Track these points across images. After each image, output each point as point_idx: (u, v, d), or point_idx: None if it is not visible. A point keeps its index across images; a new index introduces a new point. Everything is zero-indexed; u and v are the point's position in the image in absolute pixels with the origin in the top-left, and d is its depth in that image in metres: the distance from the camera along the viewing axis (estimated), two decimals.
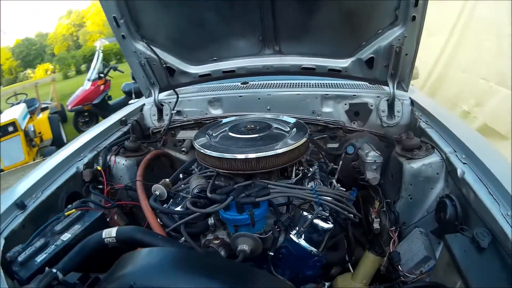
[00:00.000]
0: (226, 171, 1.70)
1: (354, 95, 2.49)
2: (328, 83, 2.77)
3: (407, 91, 2.36)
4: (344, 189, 1.93)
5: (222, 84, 2.95)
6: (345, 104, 2.50)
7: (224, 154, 1.66)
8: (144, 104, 2.86)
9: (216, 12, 2.21)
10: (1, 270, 1.34)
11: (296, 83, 2.77)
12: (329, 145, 2.53)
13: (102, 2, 2.15)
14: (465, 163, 1.67)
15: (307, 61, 2.44)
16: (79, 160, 2.16)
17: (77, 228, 1.64)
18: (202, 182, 1.76)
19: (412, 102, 2.38)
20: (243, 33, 2.34)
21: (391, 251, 1.84)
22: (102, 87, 9.19)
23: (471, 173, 1.60)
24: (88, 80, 9.14)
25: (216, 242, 1.60)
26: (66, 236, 1.59)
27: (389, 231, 1.95)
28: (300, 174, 1.91)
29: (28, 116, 7.21)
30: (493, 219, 1.32)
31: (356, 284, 1.78)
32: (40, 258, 1.47)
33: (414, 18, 1.96)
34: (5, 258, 1.44)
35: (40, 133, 7.21)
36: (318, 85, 2.72)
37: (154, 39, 2.41)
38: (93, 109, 8.90)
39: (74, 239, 1.57)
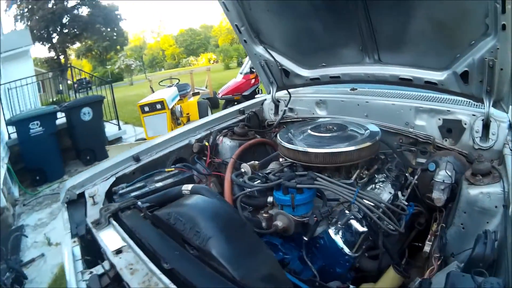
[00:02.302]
0: (292, 160, 2.36)
1: (448, 111, 2.59)
2: (424, 95, 2.95)
3: (507, 112, 2.36)
4: (406, 202, 2.25)
5: (334, 88, 3.54)
6: (439, 119, 2.62)
7: (290, 145, 2.33)
8: (265, 99, 3.75)
9: (320, 24, 2.81)
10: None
11: (396, 93, 3.11)
12: (418, 160, 2.78)
13: (226, 13, 3.03)
14: None
15: (405, 71, 2.73)
16: (194, 135, 3.15)
17: (169, 180, 2.62)
18: (276, 167, 2.49)
19: (511, 126, 2.34)
20: (346, 43, 2.88)
21: (424, 277, 1.88)
22: (253, 81, 11.19)
23: None
24: (241, 73, 11.26)
25: (265, 215, 2.23)
26: (159, 184, 2.58)
27: (433, 257, 2.05)
28: (365, 179, 2.41)
29: (178, 98, 9.13)
30: None
31: None
32: (134, 193, 2.48)
33: (504, 27, 1.97)
34: (111, 190, 2.49)
35: (188, 114, 9.15)
36: (414, 97, 2.95)
37: (272, 44, 3.20)
38: (242, 99, 10.51)
39: (163, 187, 2.55)
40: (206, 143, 3.08)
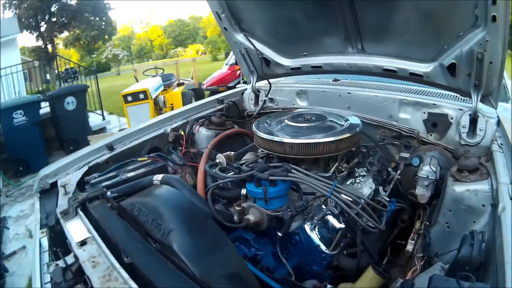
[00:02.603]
0: (266, 151, 2.28)
1: (434, 104, 2.53)
2: (409, 88, 2.91)
3: (496, 108, 2.29)
4: (388, 198, 2.19)
5: (315, 79, 3.50)
6: (424, 113, 2.56)
7: (265, 135, 2.24)
8: (246, 89, 3.67)
9: (303, 12, 2.73)
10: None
11: (382, 85, 3.03)
12: (402, 154, 2.72)
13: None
14: None
15: (389, 62, 2.64)
16: (169, 124, 3.07)
17: (142, 170, 2.56)
18: (251, 158, 2.43)
19: (499, 122, 2.29)
20: (328, 32, 2.80)
21: (406, 278, 1.81)
22: (238, 72, 11.13)
23: (510, 215, 1.54)
24: (226, 64, 11.11)
25: (237, 208, 2.14)
26: (130, 173, 2.52)
27: (415, 257, 1.97)
28: (345, 172, 2.32)
29: (162, 88, 8.99)
30: (503, 277, 1.27)
31: None
32: (105, 183, 2.41)
33: (494, 18, 1.91)
34: (83, 179, 2.43)
35: (172, 104, 8.96)
36: (399, 89, 2.90)
37: (252, 32, 3.11)
38: (227, 91, 10.42)
39: (135, 177, 2.48)
40: (182, 133, 3.01)
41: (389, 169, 2.54)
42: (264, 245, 2.15)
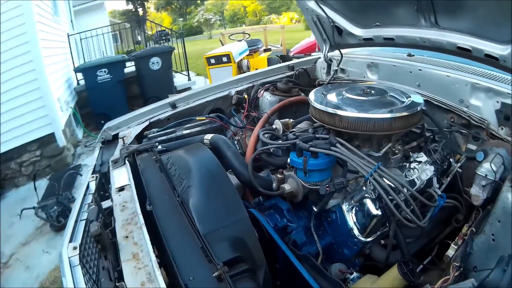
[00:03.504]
0: (320, 122, 2.23)
1: (509, 93, 2.21)
2: (483, 72, 2.57)
3: None
4: (440, 192, 2.06)
5: (390, 52, 3.30)
6: (497, 102, 2.25)
7: (317, 104, 2.19)
8: (319, 58, 3.63)
9: None
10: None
11: (457, 65, 2.74)
12: (469, 146, 2.46)
13: None
14: None
15: (463, 40, 2.40)
16: (235, 87, 3.18)
17: (197, 129, 2.70)
18: (304, 127, 2.41)
19: None
20: (400, 2, 2.64)
21: (435, 287, 1.75)
22: None
23: None
24: None
25: (279, 176, 2.17)
26: (186, 131, 2.66)
27: (452, 266, 1.83)
28: (399, 155, 2.20)
29: (247, 52, 9.29)
30: None
31: None
32: (160, 138, 2.58)
33: None
34: (143, 133, 2.63)
35: (256, 69, 9.09)
36: (474, 72, 2.57)
37: None
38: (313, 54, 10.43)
39: (189, 134, 2.62)
40: (245, 96, 3.08)
41: (451, 159, 2.35)
42: (298, 218, 2.14)
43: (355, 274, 1.94)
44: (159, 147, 2.32)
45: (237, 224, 1.63)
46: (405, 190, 1.82)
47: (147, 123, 2.78)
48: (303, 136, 2.12)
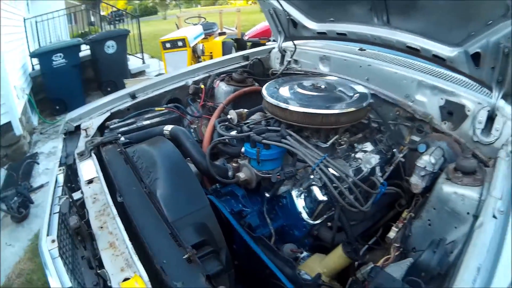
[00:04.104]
0: (272, 115, 2.39)
1: (452, 92, 2.39)
2: (431, 70, 2.80)
3: None
4: (382, 180, 2.27)
5: (341, 46, 3.49)
6: (441, 99, 2.44)
7: (270, 98, 2.35)
8: (274, 48, 3.77)
9: None
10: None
11: (407, 61, 2.97)
12: (414, 137, 2.64)
13: None
14: (495, 218, 1.57)
15: (413, 40, 2.55)
16: (192, 77, 3.28)
17: (157, 119, 2.79)
18: (258, 118, 2.56)
19: None
20: (355, 0, 2.79)
21: (377, 265, 1.89)
22: None
23: (484, 234, 1.50)
24: None
25: (234, 165, 2.36)
26: (146, 121, 2.75)
27: (392, 246, 2.00)
28: (344, 146, 2.40)
29: (202, 36, 9.25)
30: None
31: (317, 268, 1.99)
32: (122, 129, 2.66)
33: None
34: (104, 124, 2.70)
35: (211, 53, 9.29)
36: (422, 70, 2.79)
37: None
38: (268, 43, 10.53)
39: (149, 125, 2.71)
40: (202, 86, 3.20)
41: (394, 150, 2.57)
42: (252, 203, 2.33)
43: (305, 253, 2.15)
44: (122, 138, 2.41)
45: (200, 211, 1.83)
46: (349, 179, 2.03)
47: (108, 113, 2.86)
48: (256, 128, 2.30)
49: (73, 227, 1.53)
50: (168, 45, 8.12)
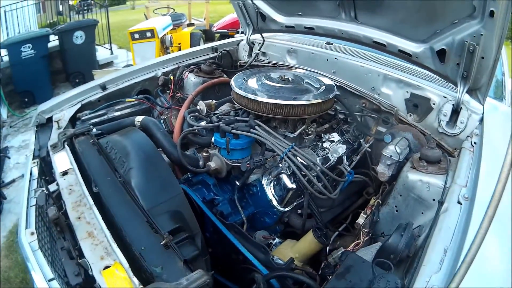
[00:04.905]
0: (241, 105, 2.45)
1: (418, 86, 2.50)
2: (397, 64, 2.87)
3: (483, 104, 2.25)
4: (348, 168, 2.37)
5: (309, 39, 3.58)
6: (407, 92, 2.54)
7: (238, 90, 2.39)
8: (242, 40, 3.84)
9: None
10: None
11: (372, 55, 3.06)
12: (379, 128, 2.75)
13: None
14: (460, 203, 1.67)
15: (379, 35, 2.64)
16: (161, 68, 3.33)
17: (127, 110, 2.83)
18: (227, 109, 2.63)
19: (483, 119, 2.24)
20: None
21: (347, 249, 2.00)
22: None
23: (449, 218, 1.60)
24: None
25: (204, 154, 2.42)
26: (117, 113, 2.79)
27: (361, 231, 2.10)
28: (312, 136, 2.48)
29: (170, 27, 9.18)
30: (415, 278, 1.37)
31: (290, 253, 2.04)
32: (93, 120, 2.69)
33: (492, 13, 1.86)
34: (76, 116, 2.72)
35: (179, 44, 9.24)
36: (388, 64, 2.87)
37: None
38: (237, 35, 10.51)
39: (120, 116, 2.75)
40: (171, 77, 3.25)
41: (361, 140, 2.70)
42: (223, 191, 2.40)
43: (277, 239, 2.22)
44: (94, 130, 2.44)
45: (174, 199, 1.88)
46: (316, 167, 2.12)
47: (79, 105, 2.87)
48: (225, 118, 2.37)
49: (52, 218, 1.58)
50: (136, 35, 8.06)
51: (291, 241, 2.19)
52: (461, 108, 2.27)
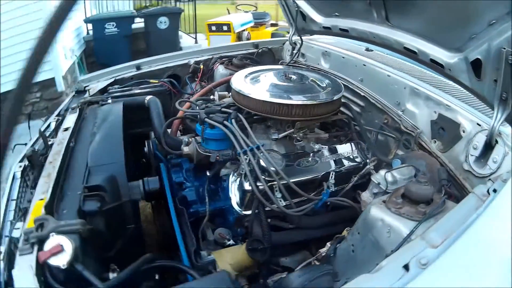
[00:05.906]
0: (232, 99, 2.48)
1: (448, 106, 2.01)
2: (432, 77, 2.46)
3: None
4: (331, 189, 2.13)
5: (352, 44, 3.37)
6: (434, 112, 2.08)
7: (233, 84, 2.42)
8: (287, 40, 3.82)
9: None
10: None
11: (406, 65, 2.72)
12: (399, 152, 2.34)
13: None
14: (407, 269, 1.14)
15: (411, 41, 2.26)
16: (196, 57, 3.51)
17: (147, 90, 3.04)
18: (228, 101, 2.60)
19: None
20: None
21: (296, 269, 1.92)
22: None
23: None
24: None
25: (191, 139, 2.43)
26: (138, 90, 3.02)
27: (313, 262, 1.93)
28: (301, 142, 2.34)
29: (251, 24, 9.59)
30: None
31: (227, 259, 2.02)
32: (116, 94, 2.92)
33: None
34: (106, 89, 3.00)
35: None
36: (419, 76, 2.46)
37: None
38: None
39: (139, 94, 2.94)
40: (201, 66, 3.39)
41: (367, 160, 2.36)
42: (196, 179, 2.44)
43: (231, 241, 2.15)
44: (109, 101, 2.70)
45: (114, 164, 2.05)
46: (278, 176, 1.98)
47: (112, 79, 3.20)
48: (209, 108, 2.37)
49: (27, 154, 2.05)
50: (213, 27, 8.51)
51: (239, 248, 2.10)
52: (496, 141, 1.70)
